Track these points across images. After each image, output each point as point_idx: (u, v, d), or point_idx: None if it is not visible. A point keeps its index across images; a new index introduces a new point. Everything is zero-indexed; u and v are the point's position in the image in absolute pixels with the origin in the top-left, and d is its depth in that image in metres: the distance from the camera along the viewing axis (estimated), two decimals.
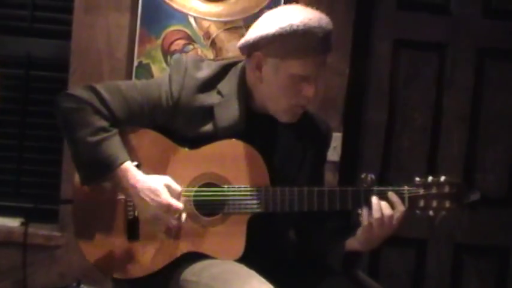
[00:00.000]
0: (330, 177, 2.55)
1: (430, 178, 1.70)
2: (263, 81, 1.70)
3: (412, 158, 2.74)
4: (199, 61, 1.79)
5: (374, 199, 1.65)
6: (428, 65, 2.76)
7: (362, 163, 2.74)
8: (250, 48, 1.70)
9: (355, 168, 2.70)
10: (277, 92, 1.68)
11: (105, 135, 1.67)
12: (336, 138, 2.66)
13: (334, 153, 2.65)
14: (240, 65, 1.78)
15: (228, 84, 1.75)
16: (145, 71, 2.58)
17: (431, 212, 1.69)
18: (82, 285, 2.34)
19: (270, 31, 1.63)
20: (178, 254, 1.70)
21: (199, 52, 2.61)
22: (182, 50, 2.60)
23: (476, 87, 2.76)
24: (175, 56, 2.52)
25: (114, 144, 1.67)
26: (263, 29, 1.65)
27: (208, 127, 1.72)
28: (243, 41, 1.72)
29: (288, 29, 1.61)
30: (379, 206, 1.64)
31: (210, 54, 2.61)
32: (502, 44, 2.75)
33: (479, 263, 2.82)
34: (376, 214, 1.64)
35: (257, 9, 2.56)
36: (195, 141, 1.72)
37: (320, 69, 1.68)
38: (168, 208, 1.65)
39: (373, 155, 2.76)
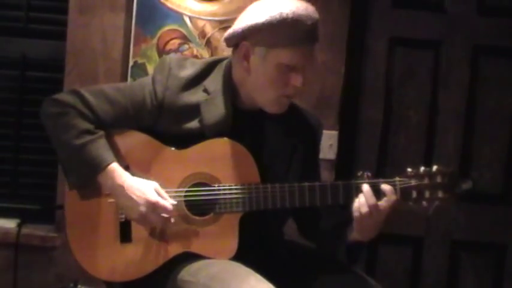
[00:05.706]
0: (327, 175, 2.55)
1: (422, 168, 1.67)
2: (250, 72, 1.69)
3: (408, 156, 2.74)
4: (182, 60, 1.78)
5: (365, 187, 1.63)
6: (424, 62, 2.76)
7: (358, 161, 2.75)
8: (237, 39, 1.69)
9: (352, 166, 2.70)
10: (265, 82, 1.67)
11: (90, 137, 1.66)
12: (332, 137, 2.67)
13: (330, 152, 2.66)
14: (225, 62, 1.77)
15: (214, 81, 1.74)
16: (140, 70, 2.58)
17: (424, 203, 1.66)
18: (79, 286, 2.35)
19: (260, 20, 1.62)
20: (171, 255, 1.69)
21: (195, 51, 2.61)
22: (177, 50, 2.60)
23: (472, 84, 2.76)
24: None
25: (100, 146, 1.66)
26: (252, 18, 1.65)
27: (195, 125, 1.71)
28: (230, 31, 1.71)
29: (277, 17, 1.61)
30: (371, 194, 1.62)
31: (206, 54, 2.61)
32: (497, 42, 2.75)
33: (475, 260, 2.82)
34: (369, 201, 1.61)
35: None
36: (182, 141, 1.71)
37: (307, 59, 1.67)
38: (155, 206, 1.63)
39: (369, 153, 2.76)
